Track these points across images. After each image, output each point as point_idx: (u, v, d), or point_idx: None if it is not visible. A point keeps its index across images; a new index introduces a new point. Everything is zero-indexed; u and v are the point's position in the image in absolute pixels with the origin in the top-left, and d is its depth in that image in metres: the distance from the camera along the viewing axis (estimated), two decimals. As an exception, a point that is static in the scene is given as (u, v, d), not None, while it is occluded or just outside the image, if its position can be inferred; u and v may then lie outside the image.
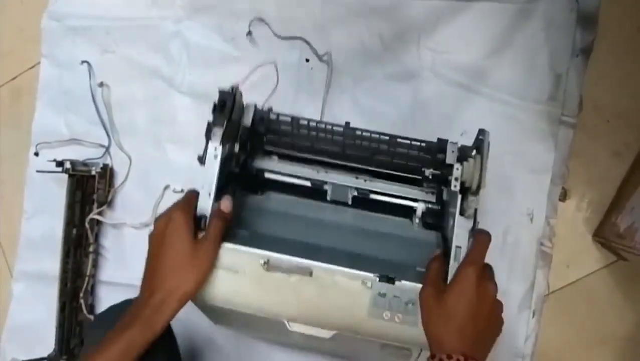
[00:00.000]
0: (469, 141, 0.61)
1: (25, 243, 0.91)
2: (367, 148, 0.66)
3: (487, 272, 0.50)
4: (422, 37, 0.84)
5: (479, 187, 0.54)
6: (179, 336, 0.66)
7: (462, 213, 0.54)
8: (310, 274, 0.54)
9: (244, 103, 0.64)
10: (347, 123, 0.64)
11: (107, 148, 0.88)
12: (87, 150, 0.88)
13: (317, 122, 0.65)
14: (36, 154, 0.89)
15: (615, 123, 0.82)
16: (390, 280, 0.53)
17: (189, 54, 0.88)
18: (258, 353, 0.84)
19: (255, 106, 0.64)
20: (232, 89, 0.59)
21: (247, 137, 0.64)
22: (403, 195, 0.66)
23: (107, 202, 0.86)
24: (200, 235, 0.54)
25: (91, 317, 0.85)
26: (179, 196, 0.84)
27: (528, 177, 0.80)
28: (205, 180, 0.56)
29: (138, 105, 0.89)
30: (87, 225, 0.85)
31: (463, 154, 0.59)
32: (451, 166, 0.57)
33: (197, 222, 0.55)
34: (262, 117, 0.65)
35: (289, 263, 0.54)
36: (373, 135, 0.64)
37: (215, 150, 0.56)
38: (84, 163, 0.86)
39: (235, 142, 0.62)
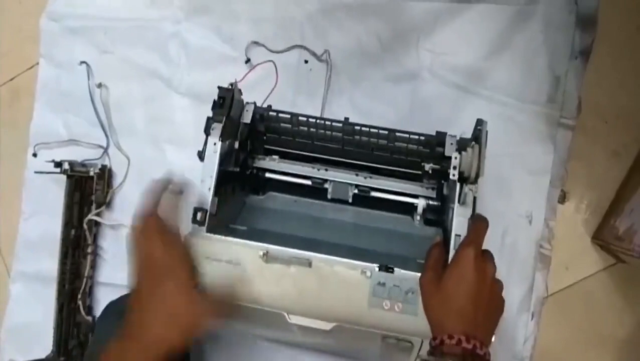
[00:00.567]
0: (467, 142, 0.61)
1: (23, 244, 0.91)
2: (366, 144, 0.66)
3: (485, 254, 0.50)
4: (421, 38, 0.84)
5: (477, 176, 0.55)
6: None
7: (461, 203, 0.55)
8: (310, 265, 0.54)
9: (244, 102, 0.64)
10: (347, 119, 0.64)
11: (106, 149, 0.88)
12: (86, 151, 0.88)
13: (317, 118, 0.65)
14: (34, 155, 0.89)
15: (613, 124, 0.82)
16: (390, 269, 0.54)
17: (188, 55, 0.88)
18: (259, 355, 0.83)
19: (255, 103, 0.65)
20: (231, 85, 0.60)
21: (247, 135, 0.65)
22: (403, 191, 0.66)
23: (105, 202, 0.86)
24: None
25: (89, 318, 0.85)
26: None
27: (527, 179, 0.80)
28: (205, 175, 0.57)
29: (136, 105, 0.89)
30: (85, 226, 0.85)
31: (462, 146, 0.59)
32: (450, 158, 0.57)
33: (194, 213, 0.55)
34: (262, 114, 0.65)
35: (288, 254, 0.55)
36: (372, 130, 0.64)
37: (215, 145, 0.57)
38: (83, 164, 0.86)
39: (235, 139, 0.62)
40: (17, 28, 0.98)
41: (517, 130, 0.81)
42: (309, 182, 0.67)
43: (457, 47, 0.83)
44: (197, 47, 0.88)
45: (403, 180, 0.67)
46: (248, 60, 0.86)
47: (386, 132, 0.64)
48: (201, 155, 0.58)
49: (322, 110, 0.84)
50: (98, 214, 0.86)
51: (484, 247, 0.51)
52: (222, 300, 0.53)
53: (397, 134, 0.64)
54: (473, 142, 0.57)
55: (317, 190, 0.68)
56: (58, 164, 0.83)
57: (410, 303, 0.53)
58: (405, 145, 0.65)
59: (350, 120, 0.65)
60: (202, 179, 0.56)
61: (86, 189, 0.86)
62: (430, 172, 0.64)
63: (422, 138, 0.64)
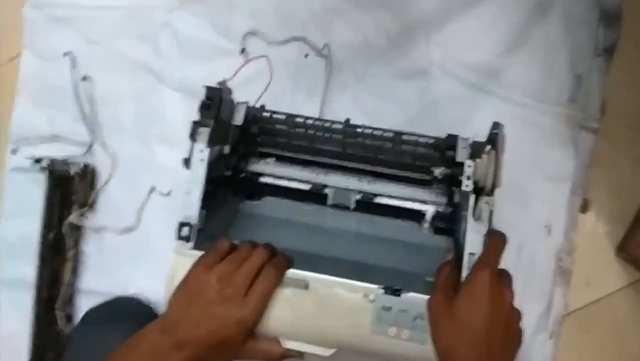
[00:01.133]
0: (481, 145, 0.56)
1: (0, 248, 0.85)
2: (369, 147, 0.62)
3: (502, 277, 0.47)
4: (431, 32, 0.79)
5: (494, 187, 0.51)
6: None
7: (475, 218, 0.51)
8: (307, 287, 0.50)
9: (235, 101, 0.60)
10: (347, 120, 0.60)
11: (90, 147, 0.83)
12: (70, 149, 0.83)
13: (315, 120, 0.60)
14: (14, 152, 0.85)
15: (638, 128, 0.78)
16: (396, 292, 0.49)
17: (180, 47, 0.83)
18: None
19: (247, 104, 0.61)
20: (220, 84, 0.56)
21: (238, 138, 0.61)
22: (411, 197, 0.62)
23: (88, 204, 0.81)
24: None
25: (69, 328, 0.80)
26: (166, 200, 0.82)
27: (545, 186, 0.76)
28: (191, 186, 0.53)
29: (124, 100, 0.84)
30: (65, 229, 0.80)
31: (475, 151, 0.55)
32: (462, 164, 0.53)
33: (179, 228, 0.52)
34: (255, 115, 0.61)
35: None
36: (376, 132, 0.60)
37: (202, 152, 0.53)
38: (65, 162, 0.81)
39: (225, 143, 0.58)
40: (-2, 16, 0.93)
41: (535, 133, 0.76)
42: (307, 187, 0.63)
43: (471, 42, 0.79)
44: (191, 38, 0.83)
45: (410, 185, 0.63)
46: (243, 50, 0.81)
47: (391, 134, 0.60)
48: (187, 163, 0.54)
49: (320, 109, 0.80)
50: (80, 216, 0.81)
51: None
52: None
53: (404, 137, 0.60)
54: (488, 148, 0.53)
55: (316, 195, 0.64)
56: (37, 161, 0.79)
57: (419, 330, 0.48)
58: (413, 148, 0.61)
59: (354, 121, 0.60)
60: (187, 190, 0.53)
61: (68, 189, 0.81)
62: (440, 177, 0.60)
63: (431, 141, 0.59)
